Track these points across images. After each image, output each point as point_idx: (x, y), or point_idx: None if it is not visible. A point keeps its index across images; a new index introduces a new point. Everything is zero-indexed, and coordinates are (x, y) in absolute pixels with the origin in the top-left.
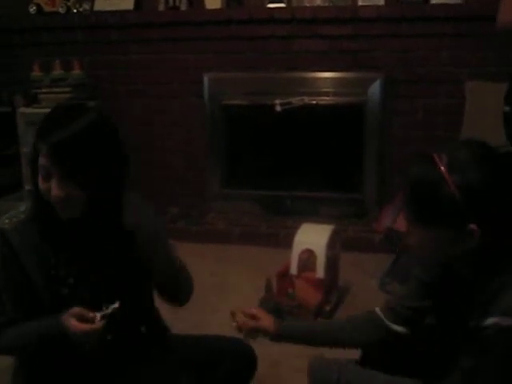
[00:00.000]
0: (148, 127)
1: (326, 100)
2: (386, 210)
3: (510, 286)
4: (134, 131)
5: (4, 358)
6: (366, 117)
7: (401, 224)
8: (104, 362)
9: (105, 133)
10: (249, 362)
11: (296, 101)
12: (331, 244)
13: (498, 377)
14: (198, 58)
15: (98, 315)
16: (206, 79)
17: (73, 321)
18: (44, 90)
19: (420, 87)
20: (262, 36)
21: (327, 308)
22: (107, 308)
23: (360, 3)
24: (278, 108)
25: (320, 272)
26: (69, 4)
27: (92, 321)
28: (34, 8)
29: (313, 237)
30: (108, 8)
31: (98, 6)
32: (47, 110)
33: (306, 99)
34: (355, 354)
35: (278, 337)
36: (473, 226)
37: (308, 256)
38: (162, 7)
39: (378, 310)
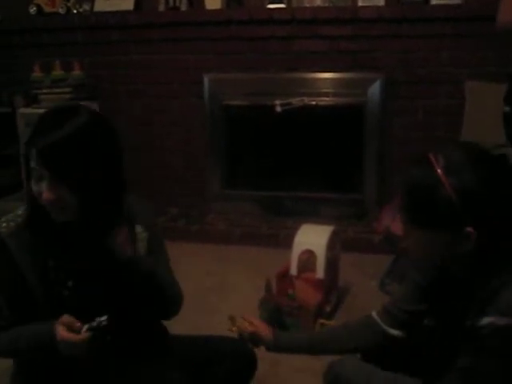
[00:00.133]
0: (148, 127)
1: (326, 100)
2: (385, 210)
3: (506, 287)
4: (133, 131)
5: (3, 361)
6: (366, 117)
7: (397, 227)
8: (100, 365)
9: (95, 135)
10: (249, 362)
11: (296, 101)
12: (331, 245)
13: (494, 376)
14: (198, 59)
15: (85, 327)
16: (206, 79)
17: (61, 329)
18: (44, 91)
19: (420, 88)
20: (262, 36)
21: (327, 308)
22: (94, 321)
23: (360, 4)
24: (278, 108)
25: (320, 272)
26: (69, 5)
27: (78, 331)
28: (34, 9)
29: (313, 237)
30: (108, 8)
31: (98, 7)
32: None
33: (306, 100)
34: None
35: (275, 347)
36: (469, 229)
37: (308, 257)
38: (162, 8)
39: (374, 314)
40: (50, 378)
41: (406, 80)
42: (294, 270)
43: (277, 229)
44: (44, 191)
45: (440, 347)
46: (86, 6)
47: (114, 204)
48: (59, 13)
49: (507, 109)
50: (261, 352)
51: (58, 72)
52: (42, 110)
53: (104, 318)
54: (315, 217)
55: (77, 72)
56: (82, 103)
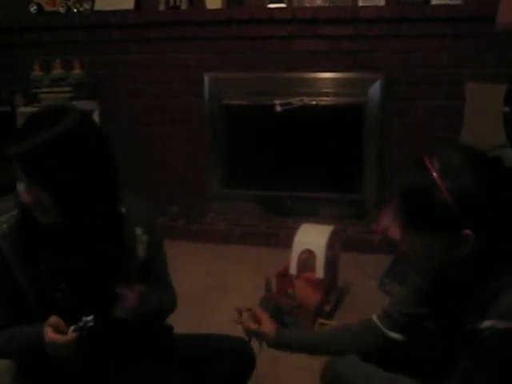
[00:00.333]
0: (148, 127)
1: (326, 100)
2: (385, 210)
3: (505, 290)
4: (133, 131)
5: (3, 360)
6: (366, 117)
7: (394, 232)
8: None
9: (72, 141)
10: (248, 360)
11: (296, 101)
12: (331, 244)
13: (494, 379)
14: (198, 58)
15: (71, 328)
16: (206, 79)
17: (48, 330)
18: (44, 90)
19: (420, 88)
20: (263, 36)
21: (327, 308)
22: (81, 321)
23: (360, 4)
24: (278, 108)
25: (319, 272)
26: (69, 3)
27: (65, 332)
28: (35, 7)
29: (312, 237)
30: (108, 7)
31: (98, 6)
32: None
33: (306, 99)
34: None
35: (276, 344)
36: (467, 232)
37: (308, 256)
38: (162, 7)
39: (374, 317)
40: (51, 377)
41: (406, 80)
42: (293, 270)
43: (276, 228)
44: (22, 192)
45: (440, 350)
46: (87, 5)
47: (104, 204)
48: (59, 12)
49: (507, 109)
50: (261, 352)
51: (57, 71)
52: None
53: (90, 317)
54: (315, 217)
55: (77, 71)
56: (80, 102)
